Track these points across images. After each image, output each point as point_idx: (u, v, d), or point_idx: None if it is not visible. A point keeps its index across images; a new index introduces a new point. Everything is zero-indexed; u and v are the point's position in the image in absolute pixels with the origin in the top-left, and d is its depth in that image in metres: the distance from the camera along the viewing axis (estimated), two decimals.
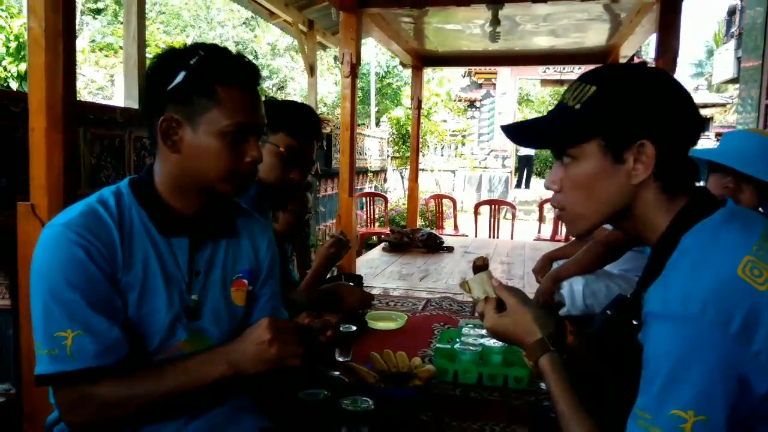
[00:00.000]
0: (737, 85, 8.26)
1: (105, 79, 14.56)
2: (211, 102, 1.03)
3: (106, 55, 14.16)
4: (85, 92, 13.04)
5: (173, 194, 1.10)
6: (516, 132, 1.00)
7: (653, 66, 0.99)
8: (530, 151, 14.88)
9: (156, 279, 1.06)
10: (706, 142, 13.91)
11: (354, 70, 3.54)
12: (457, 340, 2.10)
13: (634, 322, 1.25)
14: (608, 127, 0.90)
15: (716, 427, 0.76)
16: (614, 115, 0.89)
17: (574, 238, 3.39)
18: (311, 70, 6.21)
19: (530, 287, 3.30)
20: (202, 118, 1.03)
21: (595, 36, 4.97)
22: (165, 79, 1.04)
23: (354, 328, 2.15)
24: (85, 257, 0.97)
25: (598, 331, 1.41)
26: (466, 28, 4.76)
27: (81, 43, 12.30)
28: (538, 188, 14.75)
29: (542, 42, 5.26)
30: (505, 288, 1.08)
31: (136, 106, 3.40)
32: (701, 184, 2.07)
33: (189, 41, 13.59)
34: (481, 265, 1.12)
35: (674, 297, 0.80)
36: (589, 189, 0.93)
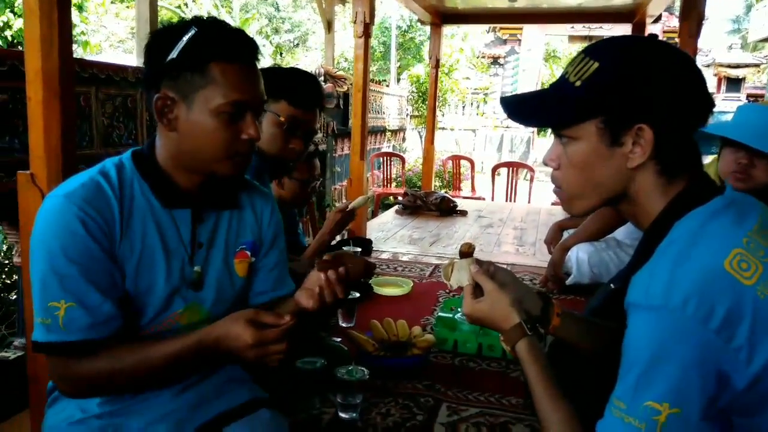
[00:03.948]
0: None
1: (126, 32, 14.50)
2: (205, 79, 1.02)
3: (128, 7, 14.05)
4: (106, 45, 13.02)
5: (175, 169, 1.10)
6: (514, 107, 0.97)
7: (663, 40, 0.94)
8: None
9: (155, 251, 1.07)
10: (737, 103, 13.49)
11: (367, 29, 3.45)
12: (459, 309, 2.11)
13: None
14: (606, 109, 0.87)
15: (690, 420, 0.76)
16: (613, 96, 0.86)
17: None
18: (329, 25, 6.11)
19: (541, 255, 3.29)
20: (196, 96, 1.02)
21: None
22: (159, 55, 1.03)
23: (357, 294, 2.17)
24: (83, 231, 0.98)
25: (602, 306, 1.41)
26: None
27: None
28: None
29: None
30: (483, 273, 1.07)
31: None
32: (709, 159, 2.02)
33: None
34: (466, 252, 1.12)
35: (657, 288, 0.78)
36: (585, 169, 0.91)
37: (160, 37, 1.05)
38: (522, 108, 0.99)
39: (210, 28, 1.04)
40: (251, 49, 1.08)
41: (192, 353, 1.03)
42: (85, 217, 0.99)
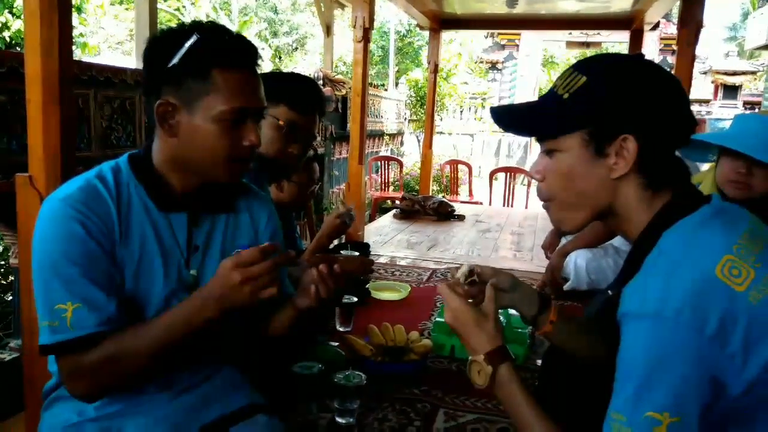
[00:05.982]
0: None
1: (125, 34, 14.50)
2: (207, 86, 1.01)
3: (126, 9, 14.05)
4: (104, 46, 13.00)
5: (171, 173, 1.10)
6: (504, 117, 0.99)
7: (650, 59, 0.96)
8: None
9: (153, 254, 1.07)
10: (734, 110, 13.58)
11: (366, 34, 3.46)
12: None
13: None
14: (592, 120, 0.89)
15: (689, 427, 0.76)
16: (599, 108, 0.89)
17: None
18: (327, 29, 6.12)
19: (539, 260, 3.29)
20: (198, 103, 1.02)
21: (621, 1, 4.80)
22: (161, 61, 1.03)
23: (355, 299, 2.17)
24: (83, 233, 0.98)
25: (599, 312, 1.41)
26: None
27: None
28: None
29: (567, 6, 5.09)
30: (493, 298, 1.06)
31: None
32: (707, 166, 2.03)
33: None
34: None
35: (651, 297, 0.79)
36: (568, 180, 0.93)
37: (161, 42, 1.04)
38: (511, 118, 1.01)
39: (211, 35, 1.03)
40: (252, 55, 1.08)
41: (188, 316, 1.01)
42: (83, 218, 0.99)
